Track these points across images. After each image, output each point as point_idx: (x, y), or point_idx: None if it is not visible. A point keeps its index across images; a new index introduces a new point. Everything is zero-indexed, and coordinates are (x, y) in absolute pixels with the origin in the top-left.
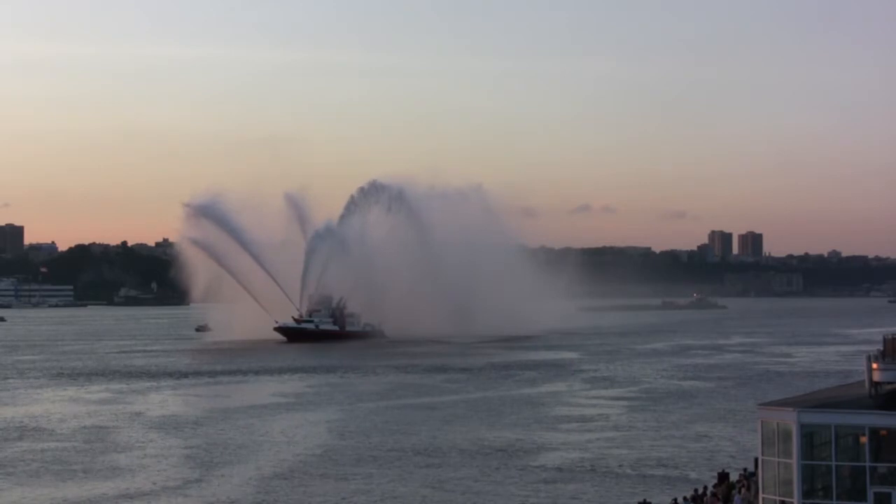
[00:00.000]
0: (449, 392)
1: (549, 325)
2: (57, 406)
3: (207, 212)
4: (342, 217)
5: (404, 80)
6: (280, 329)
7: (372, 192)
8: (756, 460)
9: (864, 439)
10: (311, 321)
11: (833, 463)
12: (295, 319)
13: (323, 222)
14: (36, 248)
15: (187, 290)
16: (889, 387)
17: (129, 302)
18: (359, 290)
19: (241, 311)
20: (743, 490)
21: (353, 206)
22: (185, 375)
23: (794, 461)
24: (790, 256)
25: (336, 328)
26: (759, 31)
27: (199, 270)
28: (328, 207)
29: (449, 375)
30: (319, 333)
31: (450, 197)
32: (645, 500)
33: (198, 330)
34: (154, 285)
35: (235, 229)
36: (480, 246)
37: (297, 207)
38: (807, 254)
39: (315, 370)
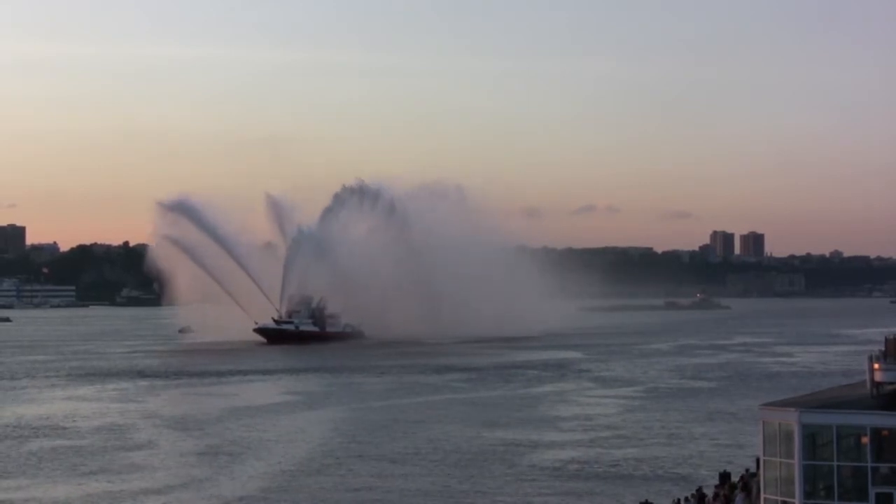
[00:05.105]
0: (444, 392)
1: (547, 325)
2: (45, 407)
3: (182, 209)
4: (323, 217)
5: (404, 80)
6: (260, 330)
7: (355, 193)
8: (758, 460)
9: (865, 440)
10: (290, 322)
11: (835, 463)
12: (275, 320)
13: (305, 223)
14: (38, 248)
15: (169, 290)
16: (891, 387)
17: (131, 302)
18: (339, 290)
19: (223, 312)
20: (744, 491)
21: (335, 206)
22: (168, 377)
23: (796, 461)
24: (792, 257)
25: (316, 329)
26: (759, 31)
27: (176, 269)
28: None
29: (441, 376)
30: (299, 334)
31: (437, 196)
32: (646, 500)
33: (181, 332)
34: (156, 285)
35: (210, 227)
36: (472, 246)
37: (277, 208)
38: (808, 254)
39: (299, 371)
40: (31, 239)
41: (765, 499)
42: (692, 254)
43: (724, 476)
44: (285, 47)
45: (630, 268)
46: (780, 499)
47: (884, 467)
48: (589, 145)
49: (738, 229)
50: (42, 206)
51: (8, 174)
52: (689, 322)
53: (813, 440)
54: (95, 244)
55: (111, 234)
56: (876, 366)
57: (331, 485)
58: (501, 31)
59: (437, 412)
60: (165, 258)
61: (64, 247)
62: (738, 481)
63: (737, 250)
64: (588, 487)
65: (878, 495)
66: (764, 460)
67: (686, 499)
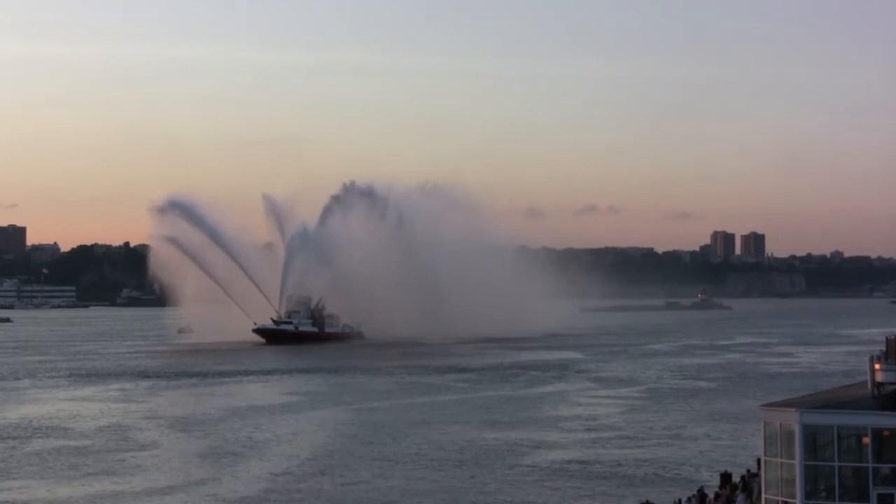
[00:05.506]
0: (445, 392)
1: (548, 326)
2: (47, 407)
3: (176, 208)
4: (321, 218)
5: (405, 80)
6: (259, 330)
7: (364, 195)
8: (759, 461)
9: (866, 440)
10: (289, 322)
11: (836, 464)
12: (274, 321)
13: (302, 224)
14: (38, 248)
15: (169, 290)
16: (892, 387)
17: (132, 303)
18: (338, 291)
19: (222, 312)
20: (745, 491)
21: (335, 206)
22: (168, 377)
23: (797, 462)
24: (793, 257)
25: (315, 330)
26: (758, 31)
27: (176, 270)
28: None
29: (442, 377)
30: (298, 335)
31: (439, 197)
32: (647, 500)
33: (180, 332)
34: (156, 286)
35: (206, 227)
36: (473, 247)
37: (275, 208)
38: (809, 254)
39: (299, 372)
40: (31, 239)
41: (766, 499)
42: (693, 254)
43: (725, 477)
44: (286, 48)
45: (631, 268)
46: (781, 499)
47: (885, 468)
48: (590, 146)
49: (739, 229)
50: (43, 206)
51: (9, 174)
52: (690, 322)
53: (814, 440)
54: (96, 244)
55: (112, 234)
56: (877, 366)
57: (332, 485)
58: (501, 31)
59: (438, 412)
60: (164, 259)
61: (65, 247)
62: (739, 482)
63: (737, 250)
64: (589, 487)
65: (879, 496)
66: (765, 461)
67: (687, 499)
